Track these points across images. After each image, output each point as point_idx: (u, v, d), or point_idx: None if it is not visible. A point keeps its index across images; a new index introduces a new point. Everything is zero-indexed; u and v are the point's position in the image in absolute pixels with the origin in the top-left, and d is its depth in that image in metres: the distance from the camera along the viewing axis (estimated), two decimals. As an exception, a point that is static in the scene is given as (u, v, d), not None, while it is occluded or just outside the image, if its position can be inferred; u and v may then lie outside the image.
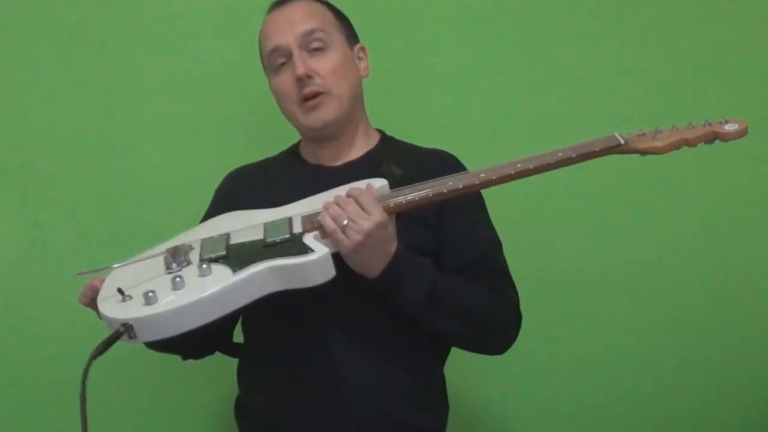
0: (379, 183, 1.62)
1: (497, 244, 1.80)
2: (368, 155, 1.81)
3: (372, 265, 1.58)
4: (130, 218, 2.20)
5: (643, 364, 2.31)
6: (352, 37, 1.84)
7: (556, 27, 2.29)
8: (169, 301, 1.43)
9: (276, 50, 1.76)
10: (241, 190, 1.83)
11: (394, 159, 1.76)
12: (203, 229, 1.70)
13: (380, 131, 1.88)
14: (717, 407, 2.32)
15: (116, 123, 2.22)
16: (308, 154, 1.84)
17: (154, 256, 1.59)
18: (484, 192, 1.75)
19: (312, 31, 1.74)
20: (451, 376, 1.81)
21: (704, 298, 2.31)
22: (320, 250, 1.49)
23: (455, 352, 1.80)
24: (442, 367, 1.82)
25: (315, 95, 1.73)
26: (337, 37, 1.79)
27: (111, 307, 1.48)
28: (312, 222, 1.58)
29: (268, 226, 1.60)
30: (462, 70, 2.29)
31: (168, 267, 1.54)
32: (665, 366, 2.31)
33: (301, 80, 1.72)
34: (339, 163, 1.80)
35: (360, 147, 1.82)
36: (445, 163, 1.78)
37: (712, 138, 1.60)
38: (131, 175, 2.21)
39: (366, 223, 1.52)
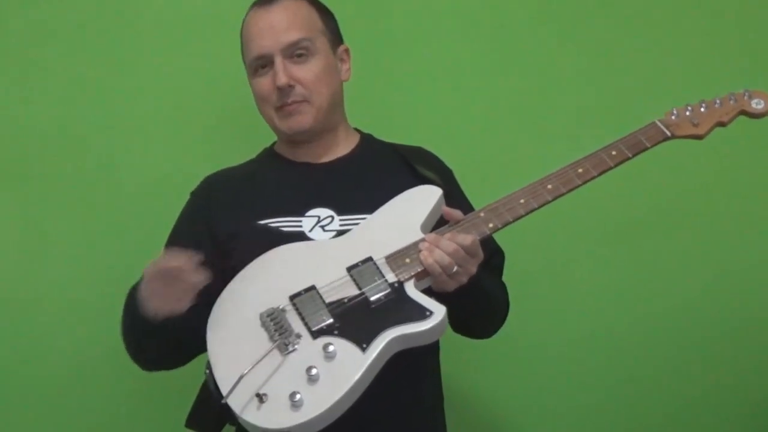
0: (438, 193, 1.66)
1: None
2: (356, 151, 1.82)
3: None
4: (130, 217, 2.18)
5: (637, 358, 2.28)
6: (336, 39, 1.83)
7: (555, 27, 2.31)
8: (317, 403, 1.45)
9: (259, 58, 1.75)
10: (225, 193, 1.79)
11: (419, 162, 1.78)
12: (268, 274, 1.63)
13: (357, 130, 1.88)
14: (714, 405, 2.29)
15: (116, 123, 2.21)
16: (289, 154, 1.83)
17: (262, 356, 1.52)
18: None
19: (297, 42, 1.73)
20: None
21: (700, 293, 2.29)
22: (438, 311, 1.51)
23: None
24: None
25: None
26: (322, 43, 1.77)
27: (258, 416, 1.47)
28: (402, 265, 1.58)
29: (355, 276, 1.59)
30: (459, 70, 2.29)
31: (283, 347, 1.52)
32: (661, 360, 2.28)
33: (282, 89, 1.72)
34: (327, 159, 1.81)
35: (344, 145, 1.82)
36: (438, 166, 1.83)
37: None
38: (131, 175, 2.20)
39: (474, 267, 1.59)
